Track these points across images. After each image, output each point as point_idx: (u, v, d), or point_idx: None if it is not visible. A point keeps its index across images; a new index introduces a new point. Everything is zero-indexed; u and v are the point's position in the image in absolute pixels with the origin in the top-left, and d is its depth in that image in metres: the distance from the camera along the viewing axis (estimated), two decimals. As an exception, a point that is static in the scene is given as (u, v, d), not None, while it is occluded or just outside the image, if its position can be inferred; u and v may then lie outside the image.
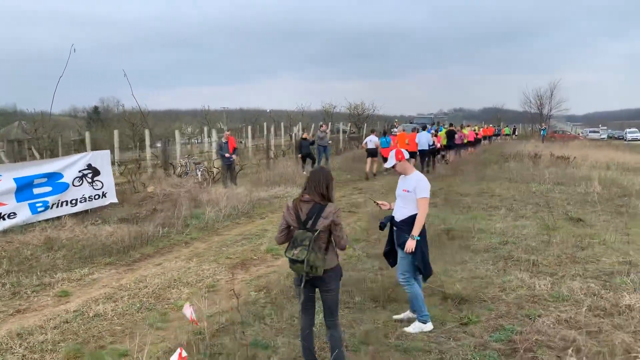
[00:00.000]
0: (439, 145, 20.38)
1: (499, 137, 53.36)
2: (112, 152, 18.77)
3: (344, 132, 34.70)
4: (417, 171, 4.66)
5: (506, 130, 56.18)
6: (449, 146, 22.04)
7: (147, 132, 17.87)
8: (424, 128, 19.01)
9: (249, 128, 26.51)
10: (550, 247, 7.09)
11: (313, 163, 16.94)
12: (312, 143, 17.57)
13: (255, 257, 6.87)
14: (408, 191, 4.54)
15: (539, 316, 4.76)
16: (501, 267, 6.27)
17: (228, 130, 13.74)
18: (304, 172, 15.92)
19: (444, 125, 31.69)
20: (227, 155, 12.85)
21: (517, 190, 12.22)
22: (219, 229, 8.57)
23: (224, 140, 13.12)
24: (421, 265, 4.44)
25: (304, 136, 17.62)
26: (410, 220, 4.47)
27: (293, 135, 23.73)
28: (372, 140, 16.79)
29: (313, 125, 24.34)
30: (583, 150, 25.17)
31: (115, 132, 19.02)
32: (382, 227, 4.70)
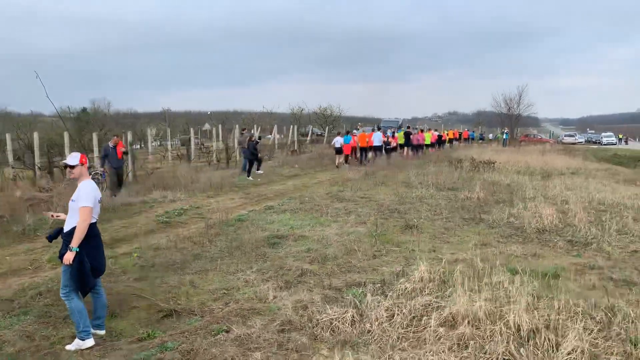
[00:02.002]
0: (394, 144, 25.44)
1: (482, 141, 52.78)
2: (33, 155, 18.70)
3: (302, 135, 34.50)
4: (89, 180, 4.43)
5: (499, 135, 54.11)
6: (406, 145, 26.47)
7: (65, 134, 17.68)
8: (379, 128, 25.63)
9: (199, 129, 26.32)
10: (345, 256, 6.88)
11: (259, 165, 18.07)
12: (256, 144, 17.63)
13: (30, 267, 6.64)
14: (73, 200, 4.33)
15: (227, 331, 4.54)
16: (266, 277, 6.04)
17: (116, 136, 13.51)
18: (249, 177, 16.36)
19: (403, 128, 32.79)
20: (101, 169, 13.01)
21: (397, 195, 11.99)
22: (34, 236, 8.26)
23: (111, 144, 12.90)
24: (75, 280, 4.21)
25: (252, 138, 17.82)
26: (74, 231, 4.26)
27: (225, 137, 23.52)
28: (338, 141, 20.89)
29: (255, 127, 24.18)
30: (526, 155, 24.94)
31: (35, 134, 18.83)
32: (49, 239, 4.49)
